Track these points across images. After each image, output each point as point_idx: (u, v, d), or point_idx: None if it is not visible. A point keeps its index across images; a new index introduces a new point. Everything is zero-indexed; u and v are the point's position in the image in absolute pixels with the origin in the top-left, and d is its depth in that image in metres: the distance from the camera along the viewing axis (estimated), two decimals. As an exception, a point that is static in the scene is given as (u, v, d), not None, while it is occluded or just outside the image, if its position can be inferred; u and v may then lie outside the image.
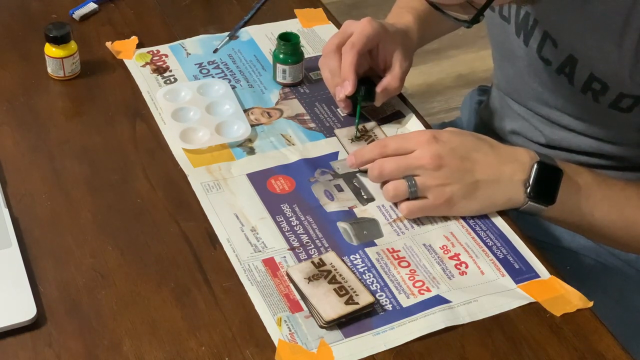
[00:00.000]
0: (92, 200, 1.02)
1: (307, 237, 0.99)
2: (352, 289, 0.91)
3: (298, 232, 0.99)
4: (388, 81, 1.13)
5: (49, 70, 1.21)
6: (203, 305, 0.91)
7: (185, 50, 1.28)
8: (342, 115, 1.17)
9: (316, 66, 1.24)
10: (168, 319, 0.89)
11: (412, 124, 1.16)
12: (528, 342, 0.89)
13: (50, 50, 1.19)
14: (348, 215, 1.02)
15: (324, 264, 0.94)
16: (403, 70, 1.14)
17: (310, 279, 0.92)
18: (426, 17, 1.23)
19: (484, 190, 0.99)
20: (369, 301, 0.90)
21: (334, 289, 0.91)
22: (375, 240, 0.99)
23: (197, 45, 1.29)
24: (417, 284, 0.94)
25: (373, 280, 0.94)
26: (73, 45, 1.19)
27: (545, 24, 1.08)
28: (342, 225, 1.01)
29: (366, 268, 0.95)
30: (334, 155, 1.11)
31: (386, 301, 0.92)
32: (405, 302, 0.92)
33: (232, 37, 1.31)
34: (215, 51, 1.28)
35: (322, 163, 1.09)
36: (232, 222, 1.00)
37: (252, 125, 1.14)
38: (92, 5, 1.34)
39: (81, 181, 1.05)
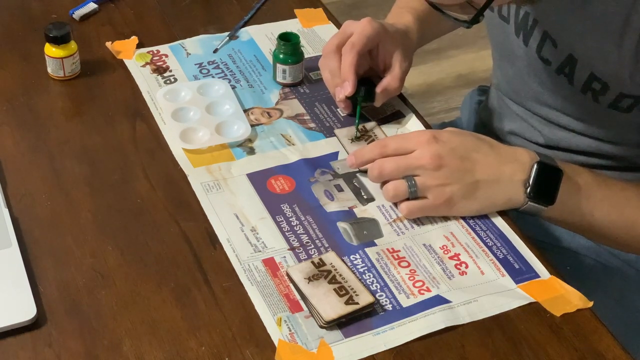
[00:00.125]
0: (92, 200, 1.02)
1: (307, 237, 0.99)
2: (352, 289, 0.91)
3: (298, 232, 0.99)
4: (388, 82, 1.13)
5: (49, 70, 1.21)
6: (203, 305, 0.91)
7: (185, 50, 1.28)
8: (342, 115, 1.17)
9: (316, 66, 1.24)
10: (168, 319, 0.89)
11: (412, 124, 1.16)
12: (528, 342, 0.89)
13: (50, 50, 1.19)
14: (348, 215, 1.02)
15: (324, 264, 0.94)
16: (403, 71, 1.14)
17: (310, 279, 0.92)
18: (426, 17, 1.23)
19: (484, 190, 0.99)
20: (369, 301, 0.90)
21: (334, 289, 0.91)
22: (375, 240, 0.99)
23: (197, 45, 1.29)
24: (417, 284, 0.94)
25: (373, 280, 0.94)
26: (73, 45, 1.20)
27: (544, 24, 1.08)
28: (342, 225, 1.01)
29: (366, 268, 0.95)
30: (334, 155, 1.11)
31: (386, 301, 0.92)
32: (405, 302, 0.92)
33: (232, 37, 1.31)
34: (215, 51, 1.28)
35: (322, 163, 1.09)
36: (232, 222, 1.00)
37: (252, 125, 1.14)
38: (92, 5, 1.34)
39: (81, 181, 1.05)
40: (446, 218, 1.02)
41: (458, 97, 2.39)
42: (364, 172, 1.06)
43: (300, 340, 0.87)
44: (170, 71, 1.23)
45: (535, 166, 0.99)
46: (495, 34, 1.21)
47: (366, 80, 1.14)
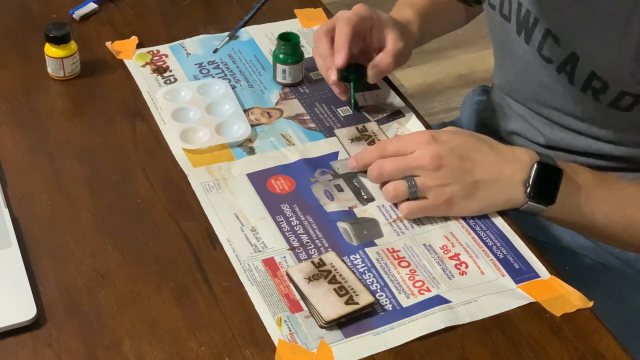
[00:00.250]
0: (92, 200, 1.02)
1: (307, 237, 0.99)
2: (352, 289, 0.91)
3: (298, 232, 0.99)
4: (380, 58, 1.12)
5: (49, 70, 1.21)
6: (203, 305, 0.91)
7: (185, 50, 1.28)
8: (342, 115, 1.17)
9: (316, 66, 1.24)
10: (168, 319, 0.89)
11: (412, 124, 1.16)
12: (528, 342, 0.89)
13: (50, 50, 1.19)
14: (348, 215, 1.02)
15: (324, 264, 0.94)
16: (397, 49, 1.12)
17: (310, 279, 0.92)
18: (427, 12, 1.23)
19: (483, 190, 0.99)
20: (369, 301, 0.90)
21: (334, 289, 0.91)
22: (375, 240, 0.99)
23: (197, 45, 1.29)
24: (417, 284, 0.94)
25: (373, 280, 0.94)
26: (73, 45, 1.20)
27: (547, 21, 1.08)
28: (342, 225, 1.01)
29: (366, 268, 0.95)
30: (334, 155, 1.11)
31: (386, 301, 0.92)
32: (405, 302, 0.92)
33: (232, 37, 1.31)
34: (215, 51, 1.28)
35: (322, 163, 1.09)
36: (232, 222, 1.00)
37: (252, 125, 1.14)
38: (92, 5, 1.34)
39: (81, 181, 1.05)
40: (446, 218, 1.02)
41: (458, 97, 2.39)
42: (364, 172, 1.06)
43: (300, 340, 0.87)
44: (170, 71, 1.23)
45: (535, 166, 0.99)
46: (496, 33, 1.21)
47: (359, 65, 1.14)
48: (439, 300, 0.92)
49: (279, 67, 1.21)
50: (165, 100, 1.17)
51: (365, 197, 1.05)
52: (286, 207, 1.03)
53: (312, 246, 0.98)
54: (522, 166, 0.99)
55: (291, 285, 0.93)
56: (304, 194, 1.05)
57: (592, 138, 1.15)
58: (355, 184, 1.06)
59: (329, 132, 1.14)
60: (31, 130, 1.13)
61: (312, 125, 1.16)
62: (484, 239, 1.00)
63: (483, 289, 0.94)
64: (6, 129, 1.13)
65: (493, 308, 0.92)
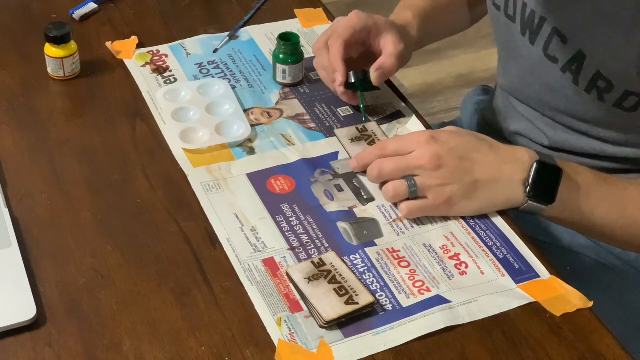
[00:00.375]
0: (92, 200, 1.03)
1: (307, 237, 0.99)
2: (352, 289, 0.91)
3: (298, 232, 0.99)
4: (383, 60, 1.12)
5: (49, 70, 1.21)
6: (203, 305, 0.91)
7: (185, 50, 1.28)
8: (342, 115, 1.17)
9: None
10: (168, 319, 0.89)
11: (412, 124, 1.16)
12: (528, 342, 0.89)
13: (50, 50, 1.19)
14: (348, 215, 1.02)
15: (324, 264, 0.94)
16: (398, 51, 1.13)
17: (310, 279, 0.92)
18: (427, 14, 1.23)
19: (483, 190, 0.99)
20: (369, 301, 0.90)
21: (334, 289, 0.91)
22: (375, 240, 0.99)
23: (197, 45, 1.29)
24: (417, 284, 0.94)
25: (373, 280, 0.94)
26: (73, 45, 1.20)
27: (554, 20, 1.07)
28: (342, 225, 1.01)
29: (366, 268, 0.95)
30: (334, 155, 1.11)
31: (386, 301, 0.92)
32: (405, 302, 0.92)
33: (232, 37, 1.31)
34: (215, 51, 1.28)
35: (322, 163, 1.09)
36: (232, 222, 1.00)
37: (252, 125, 1.14)
38: (92, 5, 1.34)
39: (81, 181, 1.05)
40: (446, 218, 1.02)
41: (458, 97, 2.39)
42: (365, 172, 1.06)
43: (300, 340, 0.87)
44: (170, 71, 1.23)
45: (534, 165, 0.99)
46: (501, 34, 1.20)
47: (362, 71, 1.14)
48: (439, 300, 0.92)
49: (279, 67, 1.21)
50: (165, 100, 1.17)
51: (365, 197, 1.05)
52: (286, 207, 1.03)
53: (312, 246, 0.98)
54: (522, 166, 0.99)
55: (291, 285, 0.93)
56: (304, 194, 1.05)
57: (596, 139, 1.15)
58: (355, 184, 1.06)
59: (329, 132, 1.14)
60: (31, 130, 1.13)
61: (312, 125, 1.16)
62: (484, 239, 1.00)
63: (483, 289, 0.94)
64: (6, 129, 1.13)
65: (493, 308, 0.92)
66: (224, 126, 1.13)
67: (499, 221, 1.02)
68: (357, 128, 1.14)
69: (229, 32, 1.31)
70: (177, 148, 1.10)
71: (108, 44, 1.27)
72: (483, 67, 2.59)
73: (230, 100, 1.17)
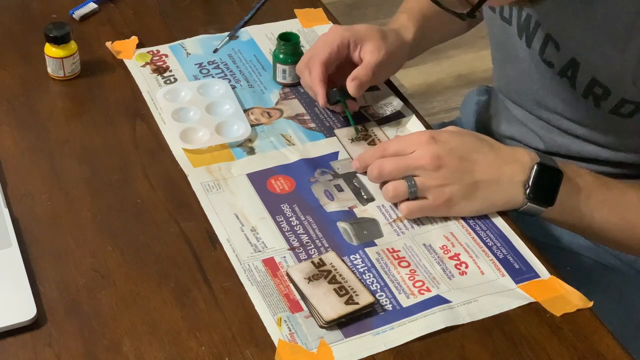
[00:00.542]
0: (92, 200, 1.03)
1: (307, 237, 0.99)
2: (352, 289, 0.91)
3: (298, 232, 0.99)
4: (357, 71, 1.12)
5: (49, 70, 1.21)
6: (203, 305, 0.91)
7: (185, 50, 1.28)
8: (342, 115, 1.17)
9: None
10: (168, 319, 0.89)
11: (412, 124, 1.16)
12: (528, 342, 0.89)
13: (50, 50, 1.19)
14: (348, 215, 1.02)
15: (324, 264, 0.94)
16: (375, 61, 1.12)
17: (310, 279, 0.92)
18: (424, 16, 1.22)
19: (483, 190, 0.99)
20: (369, 301, 0.90)
21: (334, 289, 0.91)
22: (375, 240, 0.99)
23: (197, 45, 1.29)
24: (417, 284, 0.94)
25: (373, 280, 0.94)
26: (73, 45, 1.20)
27: (547, 27, 1.07)
28: (342, 225, 1.01)
29: (366, 268, 0.95)
30: (334, 155, 1.11)
31: (386, 301, 0.92)
32: (405, 302, 0.92)
33: (232, 37, 1.31)
34: (215, 51, 1.28)
35: (322, 163, 1.09)
36: (232, 222, 1.00)
37: (252, 125, 1.14)
38: (92, 5, 1.34)
39: (81, 181, 1.05)
40: (446, 218, 1.02)
41: (458, 97, 2.39)
42: (365, 172, 1.06)
43: (300, 340, 0.87)
44: (170, 71, 1.23)
45: (535, 167, 0.99)
46: (496, 35, 1.20)
47: (342, 87, 1.13)
48: (439, 300, 0.92)
49: (279, 67, 1.21)
50: (165, 100, 1.17)
51: (365, 197, 1.05)
52: (286, 207, 1.03)
53: (312, 246, 0.98)
54: (522, 167, 0.99)
55: (291, 285, 0.93)
56: (304, 194, 1.05)
57: (591, 143, 1.15)
58: (355, 184, 1.06)
59: (329, 132, 1.14)
60: (31, 130, 1.13)
61: (312, 125, 1.16)
62: (484, 239, 1.00)
63: (483, 289, 0.94)
64: (6, 129, 1.13)
65: (493, 308, 0.92)
66: (224, 126, 1.13)
67: (499, 221, 1.02)
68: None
69: (229, 32, 1.31)
70: (177, 148, 1.10)
71: (108, 44, 1.27)
72: (483, 67, 2.59)
73: (230, 100, 1.17)
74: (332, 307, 0.89)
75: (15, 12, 1.34)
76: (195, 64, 1.25)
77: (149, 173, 1.07)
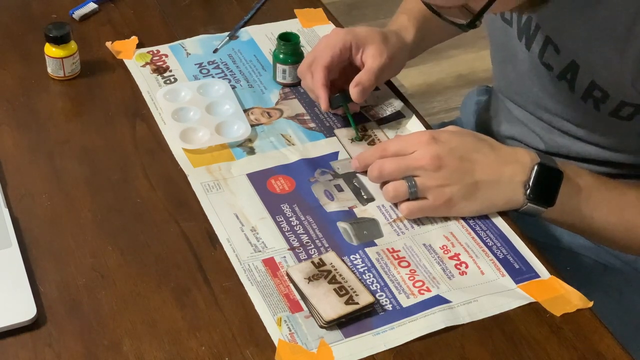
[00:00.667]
0: (92, 200, 1.03)
1: (307, 237, 0.99)
2: (352, 289, 0.91)
3: (298, 232, 0.99)
4: (360, 76, 1.12)
5: (49, 70, 1.21)
6: (203, 305, 0.91)
7: (185, 50, 1.28)
8: (342, 115, 1.17)
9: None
10: (168, 319, 0.89)
11: (412, 124, 1.16)
12: (528, 342, 0.89)
13: (50, 50, 1.19)
14: (348, 215, 1.02)
15: (324, 264, 0.94)
16: (377, 65, 1.12)
17: (310, 279, 0.92)
18: (424, 17, 1.22)
19: (483, 191, 0.99)
20: (368, 301, 0.90)
21: (334, 289, 0.91)
22: (375, 240, 0.99)
23: (197, 45, 1.29)
24: (417, 284, 0.94)
25: (373, 280, 0.94)
26: (73, 45, 1.20)
27: (547, 30, 1.07)
28: (342, 225, 1.01)
29: (366, 268, 0.95)
30: (334, 155, 1.11)
31: (386, 301, 0.92)
32: (405, 302, 0.92)
33: (232, 37, 1.31)
34: (215, 51, 1.28)
35: (322, 163, 1.09)
36: (232, 222, 1.00)
37: (252, 125, 1.14)
38: (92, 5, 1.34)
39: (81, 181, 1.05)
40: (446, 218, 1.02)
41: (458, 97, 2.39)
42: (365, 172, 1.06)
43: (300, 340, 0.87)
44: (170, 71, 1.23)
45: (535, 167, 0.99)
46: (496, 36, 1.20)
47: (344, 91, 1.13)
48: (439, 300, 0.92)
49: (279, 67, 1.21)
50: (165, 100, 1.17)
51: (365, 197, 1.05)
52: (286, 207, 1.03)
53: (312, 246, 0.98)
54: (522, 167, 0.99)
55: (291, 285, 0.93)
56: (304, 194, 1.05)
57: (592, 144, 1.15)
58: (355, 184, 1.06)
59: (329, 132, 1.14)
60: (31, 130, 1.13)
61: (312, 125, 1.16)
62: (484, 239, 1.00)
63: (483, 289, 0.94)
64: (6, 129, 1.13)
65: (493, 308, 0.92)
66: (224, 126, 1.13)
67: (499, 221, 1.02)
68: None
69: (229, 32, 1.31)
70: (177, 148, 1.10)
71: (108, 44, 1.27)
72: (483, 67, 2.59)
73: (230, 100, 1.17)
74: (332, 307, 0.89)
75: (15, 12, 1.34)
76: (195, 64, 1.25)
77: (149, 173, 1.06)
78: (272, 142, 1.12)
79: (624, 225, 1.02)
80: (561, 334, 0.90)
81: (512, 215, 1.03)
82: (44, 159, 1.08)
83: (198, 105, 1.16)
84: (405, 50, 1.19)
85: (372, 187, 1.06)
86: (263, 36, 1.32)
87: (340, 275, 0.93)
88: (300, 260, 0.96)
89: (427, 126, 1.16)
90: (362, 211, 1.03)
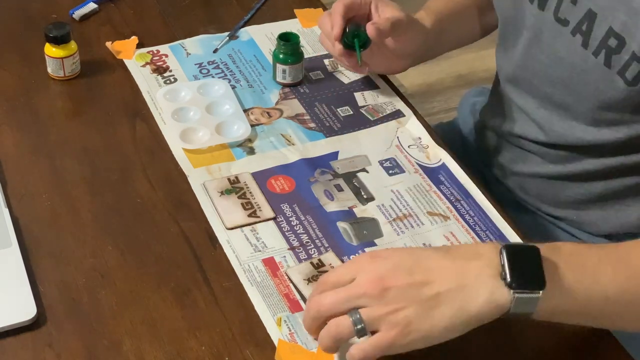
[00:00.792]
0: (92, 200, 1.03)
1: (307, 237, 0.99)
2: (352, 289, 0.91)
3: (298, 232, 1.00)
4: (376, 19, 1.13)
5: (49, 70, 1.21)
6: (203, 305, 0.91)
7: (185, 50, 1.28)
8: (342, 115, 1.17)
9: (316, 66, 1.24)
10: (168, 318, 0.89)
11: (412, 124, 1.16)
12: (528, 342, 0.89)
13: (50, 50, 1.19)
14: (348, 215, 1.02)
15: (323, 265, 0.94)
16: (396, 16, 1.13)
17: (310, 280, 0.92)
18: (441, 12, 1.22)
19: (448, 303, 0.79)
20: (368, 301, 0.90)
21: (334, 289, 0.91)
22: (375, 240, 0.99)
23: (197, 45, 1.29)
24: (417, 284, 0.94)
25: (373, 280, 0.94)
26: (73, 45, 1.20)
27: None
28: (342, 225, 1.01)
29: (366, 268, 0.95)
30: (334, 155, 1.11)
31: (386, 301, 0.92)
32: (405, 302, 0.91)
33: (232, 37, 1.31)
34: (215, 51, 1.28)
35: (322, 163, 1.09)
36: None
37: (252, 125, 1.14)
38: (92, 5, 1.34)
39: (81, 181, 1.05)
40: (446, 217, 1.02)
41: (458, 97, 2.38)
42: (365, 171, 1.06)
43: (300, 340, 0.87)
44: (170, 71, 1.23)
45: (503, 252, 0.80)
46: (505, 10, 1.17)
47: (359, 28, 1.14)
48: (439, 300, 0.91)
49: (279, 67, 1.21)
50: (165, 100, 1.17)
51: (365, 196, 1.05)
52: (286, 207, 1.03)
53: (312, 246, 0.98)
54: (487, 260, 0.80)
55: (291, 285, 0.93)
56: (304, 194, 1.05)
57: (592, 126, 1.11)
58: (355, 183, 1.06)
59: (329, 132, 1.14)
60: (31, 130, 1.13)
61: (312, 125, 1.16)
62: (484, 239, 1.00)
63: (483, 289, 0.93)
64: (6, 129, 1.13)
65: (493, 308, 0.91)
66: (224, 126, 1.13)
67: (499, 221, 1.02)
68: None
69: (229, 32, 1.31)
70: (177, 148, 1.10)
71: (108, 44, 1.27)
72: (483, 67, 2.59)
73: (230, 100, 1.17)
74: (332, 307, 0.89)
75: (15, 12, 1.34)
76: (195, 64, 1.25)
77: (149, 173, 1.07)
78: (272, 142, 1.12)
79: (638, 277, 0.83)
80: (561, 334, 0.90)
81: (512, 215, 1.03)
82: (44, 159, 1.08)
83: (198, 105, 1.16)
84: (423, 31, 1.18)
85: (372, 187, 1.06)
86: (263, 36, 1.32)
87: (340, 275, 0.93)
88: (300, 260, 0.96)
89: (427, 126, 1.16)
90: (362, 211, 1.03)
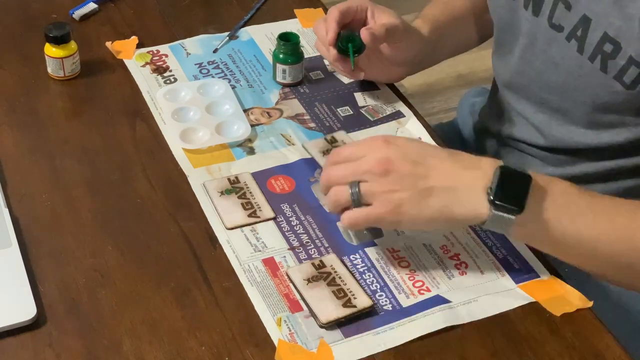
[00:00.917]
0: (92, 200, 1.03)
1: (307, 237, 0.99)
2: (350, 291, 0.91)
3: (298, 232, 1.00)
4: (371, 25, 1.13)
5: (49, 70, 1.21)
6: (203, 305, 0.91)
7: (185, 50, 1.28)
8: (342, 115, 1.17)
9: (316, 66, 1.24)
10: (168, 318, 0.89)
11: (412, 124, 1.16)
12: (528, 342, 0.89)
13: (50, 50, 1.19)
14: (348, 215, 1.02)
15: (324, 266, 0.94)
16: (390, 23, 1.12)
17: (310, 280, 0.92)
18: (438, 23, 1.22)
19: (438, 198, 0.88)
20: (366, 304, 0.90)
21: (333, 291, 0.91)
22: (375, 240, 0.99)
23: (197, 45, 1.29)
24: (417, 284, 0.94)
25: (373, 280, 0.94)
26: (73, 45, 1.20)
27: None
28: (342, 225, 1.01)
29: (366, 268, 0.95)
30: (334, 155, 1.11)
31: (386, 301, 0.92)
32: (405, 302, 0.92)
33: (232, 37, 1.31)
34: (215, 51, 1.28)
35: (322, 163, 1.09)
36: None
37: (252, 125, 1.14)
38: (92, 5, 1.34)
39: (81, 181, 1.05)
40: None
41: (458, 97, 2.37)
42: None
43: (300, 340, 0.87)
44: (170, 71, 1.23)
45: (497, 170, 0.87)
46: (501, 17, 1.17)
47: (353, 35, 1.14)
48: (438, 300, 0.92)
49: (279, 67, 1.21)
50: (165, 100, 1.17)
51: (365, 197, 1.05)
52: (286, 207, 1.03)
53: (312, 246, 0.98)
54: (483, 173, 0.88)
55: (291, 285, 0.93)
56: (304, 193, 1.05)
57: (591, 129, 1.11)
58: (355, 184, 1.06)
59: (329, 132, 1.14)
60: (31, 130, 1.13)
61: (312, 125, 1.16)
62: (484, 239, 1.00)
63: (483, 289, 0.94)
64: (6, 129, 1.13)
65: (493, 308, 0.92)
66: (224, 126, 1.13)
67: (499, 221, 1.02)
68: (325, 139, 1.11)
69: (229, 32, 1.31)
70: (177, 148, 1.10)
71: (108, 44, 1.27)
72: (483, 67, 2.59)
73: (230, 100, 1.17)
74: (330, 309, 0.89)
75: (15, 12, 1.34)
76: (195, 64, 1.25)
77: (149, 173, 1.07)
78: (272, 142, 1.12)
79: (618, 233, 0.89)
80: (561, 334, 0.90)
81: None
82: (44, 159, 1.08)
83: (198, 105, 1.16)
84: (420, 39, 1.18)
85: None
86: (263, 36, 1.32)
87: (340, 277, 0.93)
88: (300, 260, 0.96)
89: (427, 126, 1.16)
90: (362, 211, 1.03)
